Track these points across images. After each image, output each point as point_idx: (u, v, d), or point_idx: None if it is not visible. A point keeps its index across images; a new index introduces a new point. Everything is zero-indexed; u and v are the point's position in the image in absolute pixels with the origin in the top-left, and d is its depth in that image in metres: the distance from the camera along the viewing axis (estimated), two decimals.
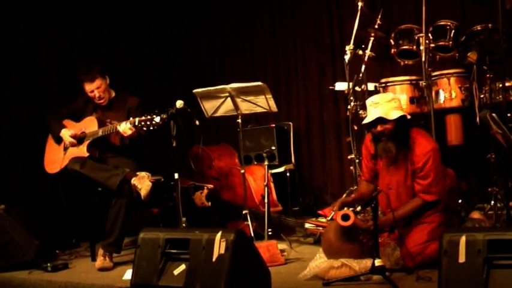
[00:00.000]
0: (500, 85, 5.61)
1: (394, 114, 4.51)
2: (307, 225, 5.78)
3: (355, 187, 6.11)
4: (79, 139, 5.84)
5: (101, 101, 5.90)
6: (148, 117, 5.42)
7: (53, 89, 7.37)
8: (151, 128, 5.42)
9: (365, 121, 4.66)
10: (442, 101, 6.02)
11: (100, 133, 5.73)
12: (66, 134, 5.88)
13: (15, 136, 7.11)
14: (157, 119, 5.38)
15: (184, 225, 5.48)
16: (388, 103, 4.54)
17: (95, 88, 5.83)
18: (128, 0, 8.40)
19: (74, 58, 7.58)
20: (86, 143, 5.78)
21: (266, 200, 5.71)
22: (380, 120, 4.53)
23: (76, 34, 7.84)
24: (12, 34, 7.16)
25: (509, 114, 5.37)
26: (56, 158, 5.96)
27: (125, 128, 5.52)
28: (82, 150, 5.77)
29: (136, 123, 5.46)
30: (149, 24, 8.77)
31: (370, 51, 6.34)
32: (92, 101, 5.95)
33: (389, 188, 4.70)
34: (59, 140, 5.99)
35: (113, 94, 6.01)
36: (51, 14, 7.53)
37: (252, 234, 5.66)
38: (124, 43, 8.45)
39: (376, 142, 4.65)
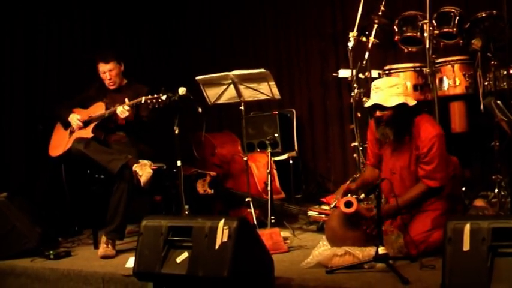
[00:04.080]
0: (505, 72, 5.60)
1: (393, 101, 4.45)
2: (310, 213, 5.79)
3: (358, 175, 6.10)
4: (85, 122, 5.87)
5: (111, 83, 5.95)
6: (155, 95, 5.45)
7: (53, 88, 7.38)
8: (156, 106, 5.46)
9: (365, 105, 4.65)
10: (446, 88, 6.00)
11: (106, 114, 5.78)
12: (74, 117, 5.94)
13: (16, 130, 7.13)
14: (163, 97, 5.42)
15: (187, 212, 5.49)
16: (389, 89, 4.49)
17: (107, 70, 5.91)
18: (128, 0, 8.37)
19: (74, 57, 7.59)
20: (92, 124, 5.82)
21: (269, 188, 5.70)
22: (378, 106, 4.51)
23: (76, 34, 7.84)
24: (13, 34, 7.18)
25: None
26: (61, 142, 6.01)
27: (122, 109, 5.55)
28: (87, 132, 5.82)
29: (143, 101, 5.50)
30: (149, 24, 8.74)
31: (374, 38, 6.30)
32: (102, 89, 6.00)
33: (392, 172, 4.68)
34: (66, 126, 6.03)
35: (124, 82, 6.06)
36: (51, 14, 7.53)
37: (255, 222, 5.66)
38: (124, 43, 8.42)
39: (377, 126, 4.63)
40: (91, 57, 6.08)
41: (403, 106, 4.48)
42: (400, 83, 4.58)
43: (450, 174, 4.65)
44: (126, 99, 5.64)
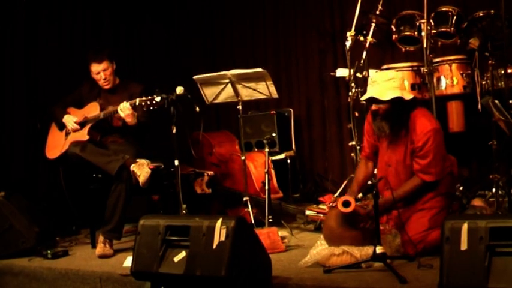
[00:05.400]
0: (502, 71, 5.61)
1: (388, 95, 4.45)
2: (307, 212, 5.79)
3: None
4: (80, 124, 5.84)
5: (105, 84, 5.89)
6: (149, 97, 5.42)
7: (54, 79, 7.33)
8: (151, 108, 5.43)
9: (361, 99, 4.66)
10: (443, 88, 6.02)
11: (101, 116, 5.74)
12: (69, 119, 5.88)
13: (17, 126, 7.11)
14: (158, 99, 5.39)
15: (184, 212, 5.47)
16: (385, 82, 4.49)
17: (101, 70, 5.84)
18: None
19: (75, 48, 7.56)
20: (87, 126, 5.78)
21: (267, 187, 5.70)
22: (374, 100, 4.51)
23: (77, 25, 7.82)
24: (14, 24, 7.14)
25: (511, 101, 5.35)
26: (57, 144, 5.97)
27: (124, 106, 5.51)
28: (83, 134, 5.78)
29: (137, 103, 5.46)
30: (150, 15, 8.72)
31: (372, 37, 6.32)
32: (96, 87, 5.96)
33: (388, 165, 4.68)
34: (61, 127, 6.00)
35: (117, 81, 6.01)
36: (53, 4, 7.50)
37: (253, 221, 5.66)
38: (125, 34, 8.43)
39: (373, 120, 4.63)
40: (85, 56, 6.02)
41: (399, 100, 4.48)
42: (396, 77, 4.57)
43: (447, 170, 4.65)
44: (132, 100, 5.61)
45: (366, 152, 4.96)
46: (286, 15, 8.10)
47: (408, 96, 4.53)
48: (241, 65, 7.01)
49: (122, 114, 5.55)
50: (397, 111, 4.51)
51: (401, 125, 4.57)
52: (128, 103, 5.51)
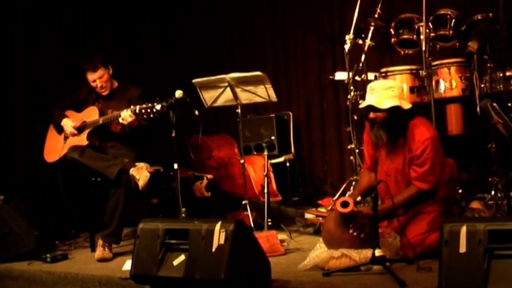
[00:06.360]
0: (501, 74, 5.61)
1: (386, 104, 4.45)
2: (307, 215, 5.79)
3: (355, 177, 6.10)
4: (79, 129, 5.83)
5: (103, 91, 5.88)
6: (149, 105, 5.41)
7: (54, 80, 7.31)
8: (151, 115, 5.42)
9: (359, 107, 4.65)
10: (442, 91, 6.01)
11: (101, 121, 5.73)
12: (67, 123, 5.87)
13: (17, 127, 7.11)
14: (158, 107, 5.37)
15: (183, 215, 5.47)
16: (384, 91, 4.48)
17: (97, 78, 5.81)
18: None
19: (75, 49, 7.55)
20: (86, 131, 5.77)
21: (266, 190, 5.71)
22: (372, 108, 4.51)
23: (77, 25, 7.82)
24: (13, 25, 7.14)
25: (509, 104, 5.37)
26: (55, 148, 5.95)
27: (126, 115, 5.50)
28: (82, 139, 5.77)
29: (137, 111, 5.44)
30: (150, 16, 8.73)
31: (370, 40, 6.30)
32: (94, 91, 5.94)
33: (388, 175, 4.67)
34: (60, 130, 5.99)
35: (116, 85, 5.99)
36: (52, 4, 7.50)
37: (252, 225, 5.66)
38: (125, 34, 8.43)
39: (371, 128, 4.63)
40: (79, 64, 5.94)
41: (397, 109, 4.48)
42: (395, 86, 4.57)
43: (446, 176, 4.65)
44: (133, 106, 5.59)
45: (367, 164, 4.96)
46: (285, 18, 8.12)
47: (406, 105, 4.52)
48: (241, 66, 7.02)
49: (125, 123, 5.55)
50: (395, 120, 4.51)
51: (399, 133, 4.56)
52: (129, 110, 5.51)
